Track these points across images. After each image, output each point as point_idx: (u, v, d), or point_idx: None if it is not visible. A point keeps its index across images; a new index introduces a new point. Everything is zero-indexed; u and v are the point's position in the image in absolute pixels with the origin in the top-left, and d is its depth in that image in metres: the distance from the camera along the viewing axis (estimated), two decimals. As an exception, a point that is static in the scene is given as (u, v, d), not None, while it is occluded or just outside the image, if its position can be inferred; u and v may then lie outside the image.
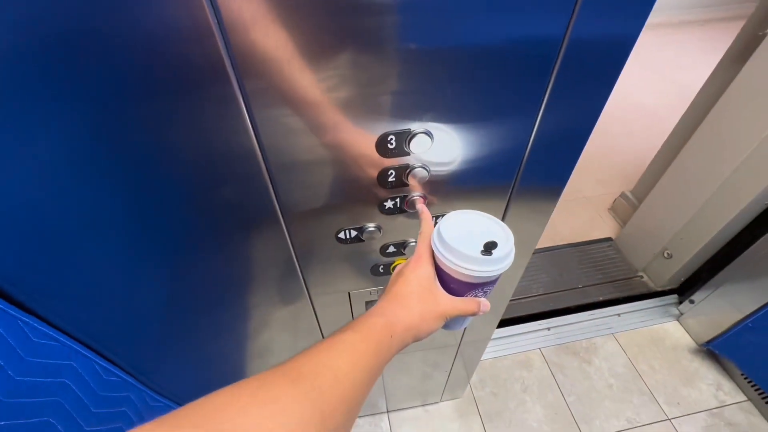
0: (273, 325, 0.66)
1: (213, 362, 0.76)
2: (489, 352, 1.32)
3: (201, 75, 0.31)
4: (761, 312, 1.06)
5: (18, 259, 0.41)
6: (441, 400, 1.21)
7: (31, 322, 0.46)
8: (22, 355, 0.45)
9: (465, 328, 0.84)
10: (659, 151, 1.50)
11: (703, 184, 1.19)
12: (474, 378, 1.27)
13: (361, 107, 0.36)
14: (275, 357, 0.76)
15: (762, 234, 1.08)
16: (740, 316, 1.14)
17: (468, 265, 0.35)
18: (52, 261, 0.42)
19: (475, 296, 0.38)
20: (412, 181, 0.42)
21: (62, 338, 0.50)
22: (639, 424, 1.17)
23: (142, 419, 0.66)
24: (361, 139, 0.38)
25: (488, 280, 0.37)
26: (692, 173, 1.23)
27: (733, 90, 1.07)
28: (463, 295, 0.38)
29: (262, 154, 0.38)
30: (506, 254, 0.36)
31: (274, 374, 0.25)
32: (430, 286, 0.37)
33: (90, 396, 0.54)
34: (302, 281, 0.56)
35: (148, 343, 0.62)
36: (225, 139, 0.36)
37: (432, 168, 0.42)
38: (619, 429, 1.16)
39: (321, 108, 0.35)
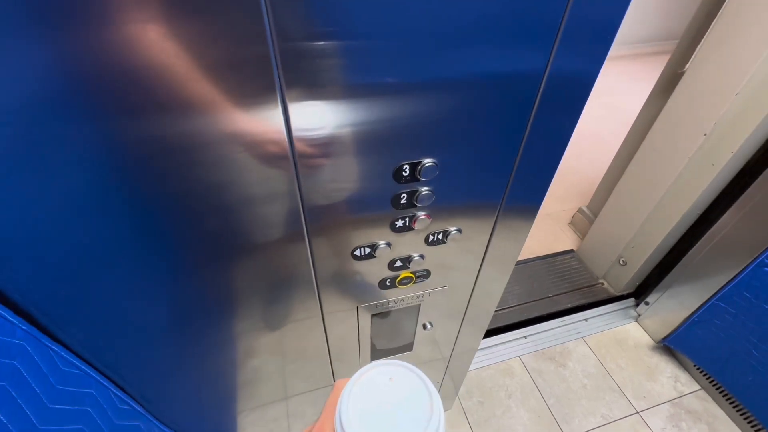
0: (280, 349, 0.69)
1: (215, 387, 0.76)
2: (473, 363, 1.38)
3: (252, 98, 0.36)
4: (704, 308, 1.21)
5: (47, 288, 0.43)
6: (432, 414, 1.24)
7: (59, 350, 0.48)
8: (53, 383, 0.46)
9: (456, 340, 0.90)
10: (608, 171, 1.69)
11: (647, 198, 1.36)
12: (461, 389, 1.32)
13: (382, 140, 0.43)
14: (278, 379, 0.78)
15: (698, 240, 1.25)
16: (687, 313, 1.29)
17: None
18: (76, 288, 0.44)
19: None
20: (420, 203, 0.50)
21: (84, 366, 0.52)
22: (612, 420, 1.27)
23: (153, 448, 0.66)
24: (381, 167, 0.45)
25: None
26: (637, 189, 1.41)
27: (662, 119, 1.26)
28: None
29: (297, 182, 0.44)
30: None
31: None
32: None
33: (108, 425, 0.55)
34: (317, 298, 0.60)
35: (157, 371, 0.63)
36: (265, 171, 0.42)
37: (437, 191, 0.50)
38: (596, 425, 1.25)
39: (348, 142, 0.42)
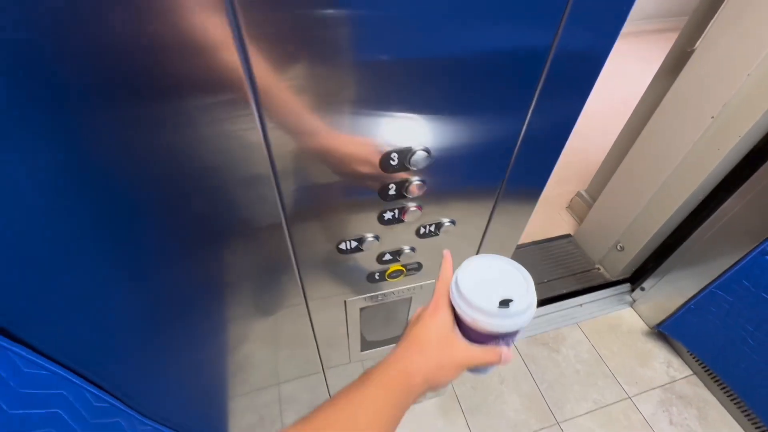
0: (266, 336, 0.67)
1: (200, 377, 0.74)
2: (467, 349, 1.38)
3: (216, 86, 0.32)
4: (701, 295, 1.20)
5: (2, 285, 0.39)
6: (425, 399, 1.25)
7: (20, 351, 0.44)
8: (14, 387, 0.43)
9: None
10: (609, 153, 1.64)
11: (648, 182, 1.32)
12: (454, 375, 1.32)
13: (369, 125, 0.39)
14: (266, 367, 0.76)
15: (698, 226, 1.22)
16: (684, 300, 1.27)
17: (486, 318, 0.34)
18: (37, 284, 0.41)
19: (497, 345, 0.37)
20: (410, 194, 0.46)
21: (51, 366, 0.49)
22: (604, 404, 1.27)
23: (134, 444, 0.64)
24: (366, 155, 0.41)
25: (508, 332, 0.36)
26: (638, 173, 1.37)
27: (668, 100, 1.21)
28: (483, 344, 0.37)
29: (273, 171, 0.39)
30: (526, 307, 0.35)
31: (303, 428, 0.27)
32: (449, 334, 0.36)
33: (82, 424, 0.52)
34: (301, 291, 0.57)
35: (135, 365, 0.61)
36: (239, 152, 0.37)
37: (429, 181, 0.46)
38: (588, 410, 1.26)
39: (331, 124, 0.37)
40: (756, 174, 1.05)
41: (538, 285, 1.55)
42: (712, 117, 1.08)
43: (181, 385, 0.73)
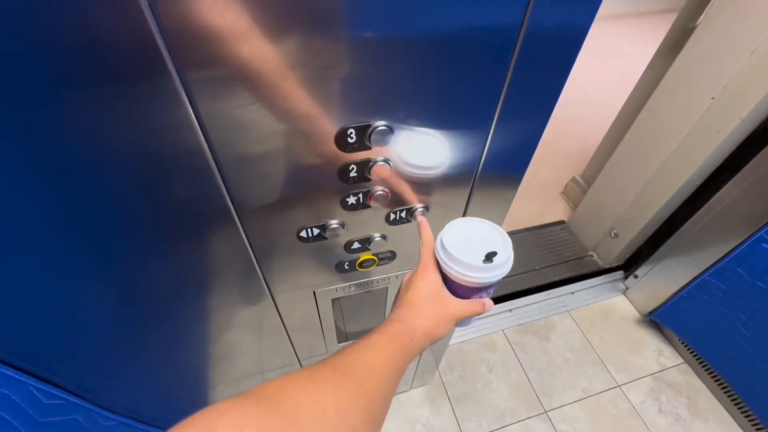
0: (235, 327, 0.63)
1: (171, 370, 0.71)
2: (456, 338, 1.35)
3: (133, 62, 0.27)
4: (694, 283, 1.17)
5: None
6: (411, 388, 1.23)
7: (-53, 349, 0.40)
8: (-62, 388, 0.39)
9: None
10: (605, 137, 1.59)
11: (644, 167, 1.28)
12: (442, 363, 1.30)
13: (318, 98, 0.34)
14: (242, 358, 0.73)
15: (693, 213, 1.18)
16: (677, 288, 1.25)
17: (472, 273, 0.38)
18: None
19: (480, 297, 0.41)
20: (374, 176, 0.41)
21: (-11, 364, 0.45)
22: (593, 393, 1.26)
23: (94, 441, 0.61)
24: (318, 133, 0.36)
25: (491, 283, 0.40)
26: (634, 158, 1.32)
27: (668, 80, 1.15)
28: (469, 298, 0.41)
29: (210, 150, 0.35)
30: (506, 259, 0.39)
31: (321, 365, 0.29)
32: (440, 293, 0.40)
33: (29, 424, 0.49)
34: (263, 282, 0.53)
35: (94, 358, 0.57)
36: (167, 136, 0.33)
37: (394, 161, 0.42)
38: (576, 398, 1.24)
39: (273, 96, 0.33)
40: (755, 158, 1.01)
41: (530, 272, 1.53)
42: (713, 98, 1.02)
43: (152, 378, 0.70)
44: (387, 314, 0.74)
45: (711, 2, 1.03)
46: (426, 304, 0.38)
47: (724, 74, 0.99)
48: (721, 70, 0.99)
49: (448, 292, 0.41)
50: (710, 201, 1.12)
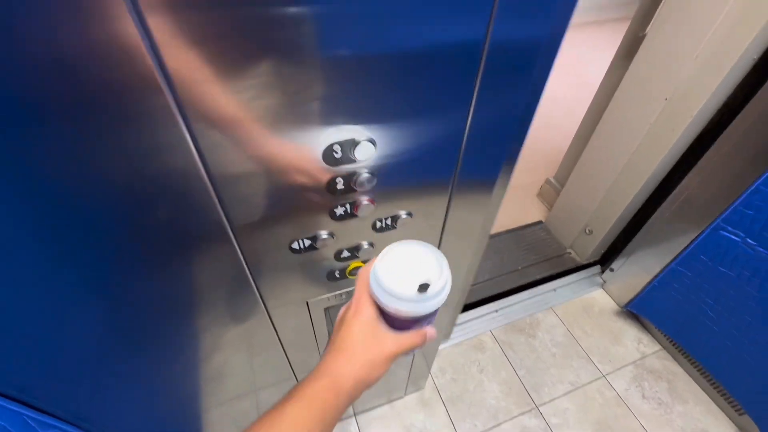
0: (230, 346, 0.64)
1: (167, 394, 0.71)
2: (446, 341, 1.38)
3: (132, 90, 0.30)
4: (664, 272, 1.24)
5: None
6: (405, 394, 1.24)
7: (-58, 382, 0.40)
8: (-65, 423, 0.39)
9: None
10: (573, 140, 1.67)
11: (611, 166, 1.36)
12: (434, 367, 1.32)
13: (303, 120, 0.37)
14: (235, 378, 0.74)
15: (658, 206, 1.26)
16: (649, 278, 1.32)
17: (407, 305, 0.35)
18: None
19: (421, 328, 0.39)
20: (360, 187, 0.44)
21: (-17, 395, 0.45)
22: (580, 385, 1.31)
23: (90, 469, 0.60)
24: (308, 150, 0.39)
25: (429, 313, 0.37)
26: (601, 158, 1.40)
27: (625, 84, 1.24)
28: (408, 329, 0.38)
29: (206, 172, 0.37)
30: (442, 287, 0.35)
31: None
32: (374, 331, 0.36)
33: (25, 454, 0.49)
34: (258, 296, 0.55)
35: (89, 386, 0.57)
36: (164, 158, 0.35)
37: (378, 171, 0.45)
38: (565, 392, 1.29)
39: (259, 127, 0.35)
40: (708, 152, 1.09)
41: (513, 272, 1.58)
42: (666, 98, 1.11)
43: (146, 402, 0.70)
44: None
45: (657, 12, 1.12)
46: (358, 347, 0.35)
47: (673, 77, 1.07)
48: (670, 73, 1.08)
49: (384, 327, 0.37)
50: (672, 194, 1.20)
